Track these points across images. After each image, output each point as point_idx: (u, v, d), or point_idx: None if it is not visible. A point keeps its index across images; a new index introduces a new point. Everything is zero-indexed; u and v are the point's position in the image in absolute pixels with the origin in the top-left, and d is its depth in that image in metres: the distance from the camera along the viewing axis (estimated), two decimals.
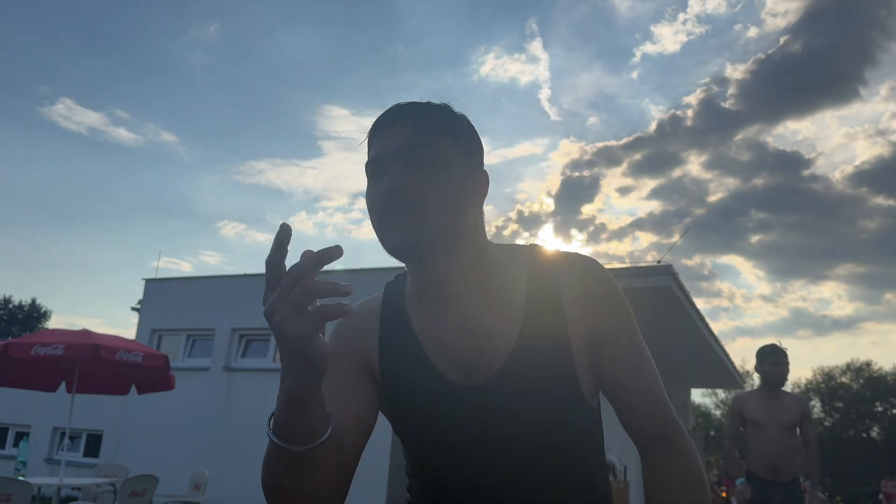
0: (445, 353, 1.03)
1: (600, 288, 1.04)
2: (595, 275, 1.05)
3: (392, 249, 0.98)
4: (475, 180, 1.04)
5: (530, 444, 1.00)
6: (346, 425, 1.00)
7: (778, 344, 4.58)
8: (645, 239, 63.18)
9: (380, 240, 0.99)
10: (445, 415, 1.01)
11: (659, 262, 10.78)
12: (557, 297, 1.02)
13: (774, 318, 72.66)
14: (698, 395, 48.72)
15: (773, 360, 4.48)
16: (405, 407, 1.05)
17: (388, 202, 0.96)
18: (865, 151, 62.05)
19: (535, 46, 57.63)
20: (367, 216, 1.01)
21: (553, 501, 1.00)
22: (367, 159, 1.03)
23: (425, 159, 0.97)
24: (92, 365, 7.28)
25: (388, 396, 1.07)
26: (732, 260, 70.27)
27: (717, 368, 17.49)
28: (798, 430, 4.48)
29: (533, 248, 1.10)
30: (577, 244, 59.29)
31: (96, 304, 78.24)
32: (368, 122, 1.06)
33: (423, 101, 1.03)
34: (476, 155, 1.06)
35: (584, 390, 1.02)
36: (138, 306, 14.12)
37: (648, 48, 60.24)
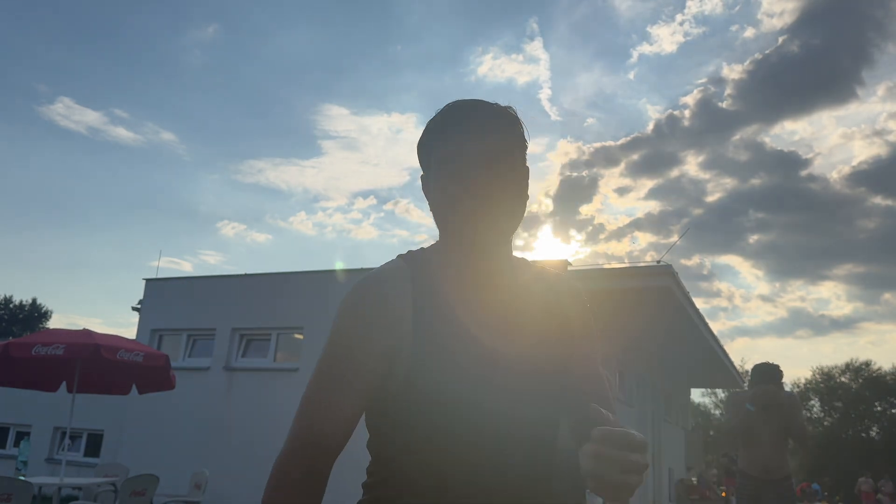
0: (479, 323, 1.13)
1: (590, 318, 1.28)
2: (588, 307, 1.29)
3: (473, 236, 1.11)
4: (528, 181, 1.22)
5: (543, 415, 1.14)
6: (351, 421, 1.11)
7: (766, 364, 4.55)
8: (643, 239, 63.19)
9: (454, 224, 1.12)
10: (483, 380, 1.09)
11: (658, 262, 10.79)
12: (567, 311, 1.24)
13: (773, 317, 72.85)
14: (698, 395, 48.77)
15: (757, 382, 4.54)
16: (443, 376, 1.07)
17: (482, 200, 1.10)
18: (863, 151, 62.20)
19: (535, 46, 57.66)
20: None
21: (547, 467, 1.14)
22: (446, 145, 1.13)
23: (510, 166, 1.14)
24: (92, 365, 7.31)
25: (416, 363, 1.08)
26: (731, 260, 70.45)
27: (717, 368, 17.50)
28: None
29: (538, 262, 1.32)
30: (576, 244, 59.38)
31: (97, 304, 78.34)
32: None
33: (496, 104, 1.17)
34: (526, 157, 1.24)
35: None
36: (139, 306, 14.13)
37: (646, 49, 60.33)
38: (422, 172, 1.23)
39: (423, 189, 1.22)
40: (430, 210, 1.19)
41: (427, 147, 1.18)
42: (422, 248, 1.22)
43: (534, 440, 1.12)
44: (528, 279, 1.22)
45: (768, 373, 4.50)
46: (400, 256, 1.20)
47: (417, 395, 1.08)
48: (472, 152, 1.11)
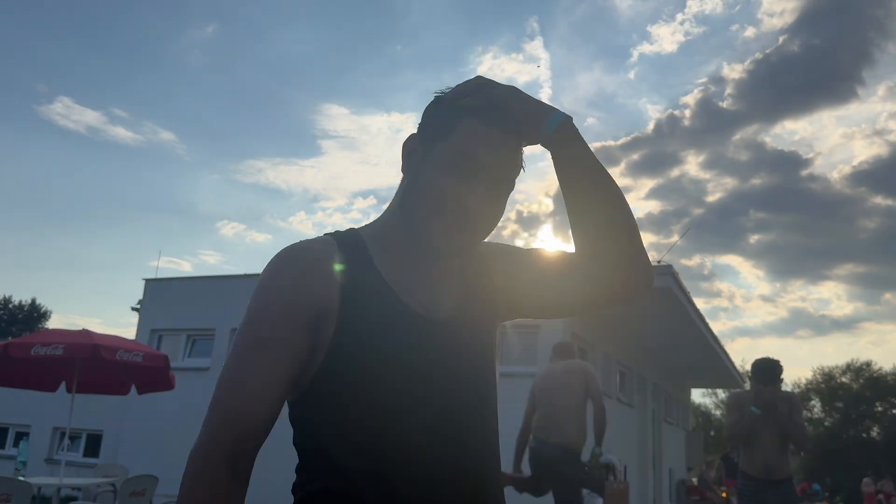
0: (409, 294, 1.07)
1: (505, 247, 1.25)
2: (500, 244, 1.26)
3: (448, 242, 1.06)
4: None
5: (478, 375, 1.10)
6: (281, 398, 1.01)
7: (767, 360, 4.54)
8: (644, 239, 62.83)
9: (439, 225, 1.05)
10: (415, 342, 1.03)
11: (659, 262, 10.78)
12: (488, 271, 1.19)
13: (774, 318, 72.71)
14: (698, 395, 48.77)
15: (758, 381, 4.52)
16: (373, 339, 1.00)
17: (474, 215, 1.06)
18: (863, 151, 62.01)
19: (535, 46, 57.62)
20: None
21: (487, 428, 1.09)
22: (486, 142, 1.06)
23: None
24: (92, 365, 7.29)
25: (348, 337, 1.00)
26: (732, 260, 70.26)
27: (717, 368, 17.50)
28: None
29: None
30: None
31: (96, 304, 78.26)
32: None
33: None
34: None
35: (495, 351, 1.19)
36: (138, 306, 14.12)
37: (646, 48, 60.24)
38: (416, 131, 1.13)
39: (409, 148, 1.12)
40: (405, 173, 1.13)
41: (453, 117, 1.07)
42: (352, 228, 1.15)
43: (481, 423, 1.07)
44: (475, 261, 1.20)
45: (769, 370, 4.50)
46: (334, 236, 1.12)
47: (347, 362, 0.99)
48: (503, 172, 1.08)
